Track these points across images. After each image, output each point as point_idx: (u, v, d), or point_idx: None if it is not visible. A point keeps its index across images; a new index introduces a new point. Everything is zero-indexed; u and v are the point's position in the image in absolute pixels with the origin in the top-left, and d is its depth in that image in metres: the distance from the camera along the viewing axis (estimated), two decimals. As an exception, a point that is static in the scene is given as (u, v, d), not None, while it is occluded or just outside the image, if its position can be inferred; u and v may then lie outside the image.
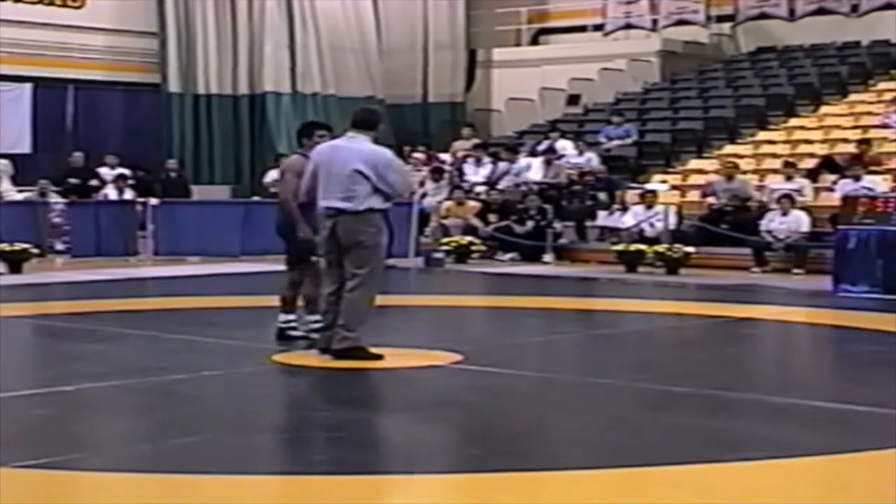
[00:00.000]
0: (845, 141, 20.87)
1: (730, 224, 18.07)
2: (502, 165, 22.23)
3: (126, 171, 22.37)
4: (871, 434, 6.70)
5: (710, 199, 18.83)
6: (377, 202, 9.02)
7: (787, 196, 17.81)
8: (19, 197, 21.22)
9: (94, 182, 22.28)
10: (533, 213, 19.76)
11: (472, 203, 20.90)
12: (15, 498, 5.36)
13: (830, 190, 18.42)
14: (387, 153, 9.24)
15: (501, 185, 21.69)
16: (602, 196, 20.50)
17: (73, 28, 24.78)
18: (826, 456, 6.25)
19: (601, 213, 20.14)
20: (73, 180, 22.00)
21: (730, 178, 19.03)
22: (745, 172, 19.74)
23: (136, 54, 25.67)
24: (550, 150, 22.02)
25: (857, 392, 8.13)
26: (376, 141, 9.23)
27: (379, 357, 8.93)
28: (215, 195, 24.05)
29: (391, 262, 17.95)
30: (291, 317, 10.00)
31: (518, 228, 19.73)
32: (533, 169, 21.64)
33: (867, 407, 7.40)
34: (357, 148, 9.06)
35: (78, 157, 22.70)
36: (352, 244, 8.95)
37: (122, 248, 19.68)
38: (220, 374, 8.67)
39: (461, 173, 22.43)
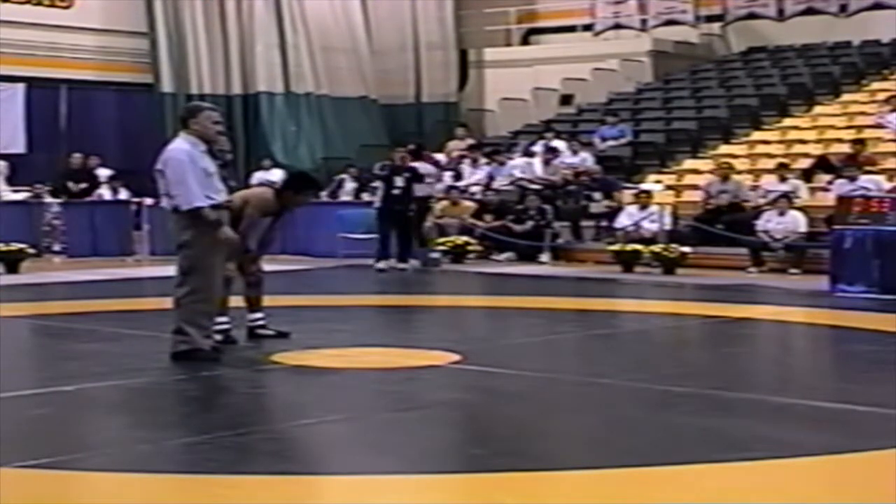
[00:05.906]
0: (839, 141, 20.90)
1: (725, 224, 18.08)
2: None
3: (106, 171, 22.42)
4: (871, 434, 6.69)
5: (709, 200, 18.85)
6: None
7: (784, 196, 17.82)
8: (15, 197, 21.19)
9: (89, 182, 22.27)
10: (532, 214, 19.76)
11: (467, 203, 20.89)
12: (15, 498, 5.35)
13: (826, 190, 18.44)
14: (170, 151, 8.94)
15: (497, 185, 21.68)
16: (598, 196, 20.49)
17: (63, 28, 24.77)
18: (826, 456, 6.24)
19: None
20: (71, 185, 21.87)
21: (725, 178, 19.06)
22: (739, 172, 19.75)
23: (126, 54, 25.68)
24: (550, 149, 22.00)
25: (856, 392, 8.13)
26: (199, 135, 8.95)
27: (217, 358, 8.89)
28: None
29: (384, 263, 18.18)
30: (258, 315, 10.13)
31: (517, 228, 19.73)
32: (533, 167, 21.64)
33: (866, 407, 7.40)
34: (167, 147, 9.01)
35: (77, 158, 22.65)
36: (178, 245, 8.91)
37: (117, 249, 19.69)
38: (219, 374, 8.66)
39: (457, 175, 22.39)
